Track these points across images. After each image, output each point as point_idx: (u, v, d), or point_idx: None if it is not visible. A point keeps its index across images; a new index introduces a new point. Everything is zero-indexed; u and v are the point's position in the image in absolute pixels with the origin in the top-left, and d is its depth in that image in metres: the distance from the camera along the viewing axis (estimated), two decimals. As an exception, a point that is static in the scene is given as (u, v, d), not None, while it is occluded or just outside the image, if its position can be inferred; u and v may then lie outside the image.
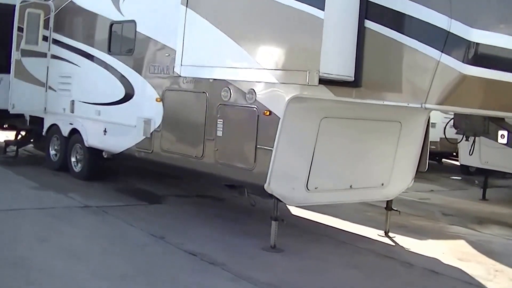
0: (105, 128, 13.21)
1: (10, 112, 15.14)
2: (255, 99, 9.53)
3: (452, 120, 10.01)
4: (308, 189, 9.65)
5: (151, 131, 11.67)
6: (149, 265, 8.56)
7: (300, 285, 8.33)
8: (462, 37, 7.42)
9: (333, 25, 8.14)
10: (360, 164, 10.36)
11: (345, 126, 9.81)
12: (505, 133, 9.01)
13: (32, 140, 16.89)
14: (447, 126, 12.50)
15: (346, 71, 8.30)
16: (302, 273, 8.81)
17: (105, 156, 13.62)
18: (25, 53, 14.91)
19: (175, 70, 10.17)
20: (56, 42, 15.05)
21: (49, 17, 15.07)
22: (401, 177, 11.04)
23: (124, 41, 13.03)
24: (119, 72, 12.82)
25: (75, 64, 14.33)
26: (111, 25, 13.21)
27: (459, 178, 21.66)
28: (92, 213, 11.34)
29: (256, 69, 8.95)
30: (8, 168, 15.33)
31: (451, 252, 10.71)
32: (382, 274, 9.19)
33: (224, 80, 9.91)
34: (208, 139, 10.35)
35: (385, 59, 8.20)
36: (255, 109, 9.53)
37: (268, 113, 9.34)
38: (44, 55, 15.15)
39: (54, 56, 15.07)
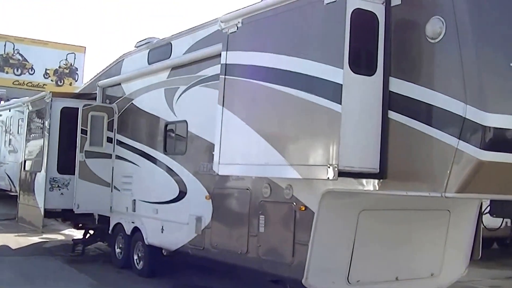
0: (162, 226, 13.46)
1: (75, 212, 15.59)
2: (292, 195, 9.68)
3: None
4: (349, 283, 9.62)
5: (202, 228, 11.88)
6: None
7: None
8: (477, 123, 7.33)
9: (352, 118, 8.22)
10: (406, 254, 10.25)
11: (387, 218, 9.77)
12: (543, 215, 8.80)
13: (98, 239, 17.27)
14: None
15: (370, 163, 8.32)
16: None
17: (164, 254, 13.85)
18: (90, 154, 15.41)
19: (213, 168, 10.42)
20: (119, 143, 15.56)
21: (112, 119, 15.61)
22: (453, 266, 10.89)
23: (177, 140, 13.44)
24: (173, 171, 13.16)
25: (136, 164, 14.76)
26: (166, 126, 13.64)
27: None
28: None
29: (283, 165, 9.07)
30: (73, 265, 15.67)
31: None
32: None
33: (265, 177, 10.10)
34: (251, 235, 10.51)
35: (408, 149, 8.20)
36: (292, 204, 9.66)
37: (304, 208, 9.46)
38: (108, 156, 15.63)
39: (118, 157, 15.56)
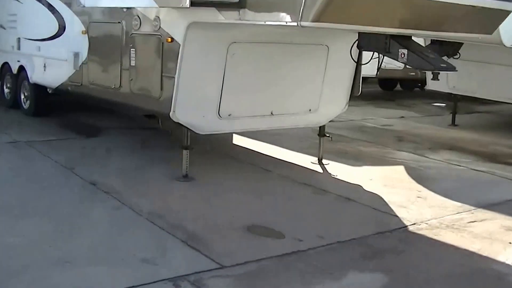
0: (45, 64, 13.28)
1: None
2: (160, 27, 9.38)
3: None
4: (220, 116, 9.51)
5: (79, 64, 11.65)
6: (38, 193, 8.60)
7: (184, 211, 8.17)
8: None
9: None
10: (281, 89, 10.13)
11: (260, 51, 9.56)
12: (405, 51, 8.61)
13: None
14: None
15: None
16: (194, 199, 8.71)
17: (49, 92, 13.62)
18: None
19: (80, 1, 10.07)
20: (4, -20, 15.00)
21: (-3, -46, 14.98)
22: (333, 102, 10.84)
23: (57, -27, 12.92)
24: (53, 6, 12.75)
25: (19, 1, 14.30)
26: (46, -43, 13.09)
27: (443, 104, 21.18)
28: (16, 148, 11.30)
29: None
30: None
31: (381, 178, 10.43)
32: (284, 200, 8.97)
33: (134, 8, 9.78)
34: (124, 69, 10.26)
35: None
36: (159, 36, 9.38)
37: (170, 40, 9.16)
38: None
39: (2, -4, 15.06)
